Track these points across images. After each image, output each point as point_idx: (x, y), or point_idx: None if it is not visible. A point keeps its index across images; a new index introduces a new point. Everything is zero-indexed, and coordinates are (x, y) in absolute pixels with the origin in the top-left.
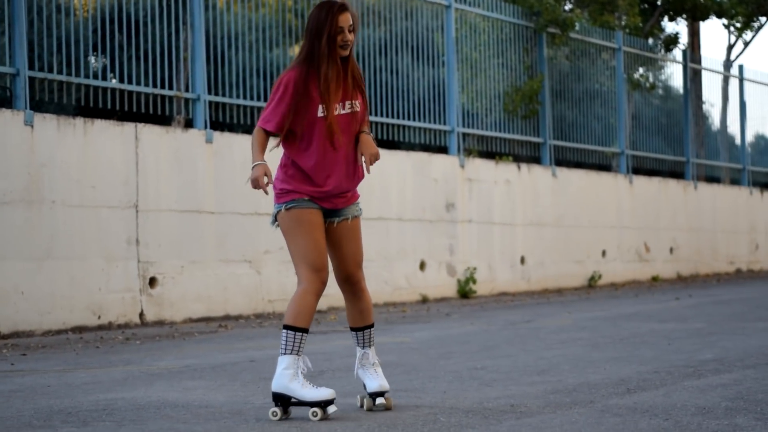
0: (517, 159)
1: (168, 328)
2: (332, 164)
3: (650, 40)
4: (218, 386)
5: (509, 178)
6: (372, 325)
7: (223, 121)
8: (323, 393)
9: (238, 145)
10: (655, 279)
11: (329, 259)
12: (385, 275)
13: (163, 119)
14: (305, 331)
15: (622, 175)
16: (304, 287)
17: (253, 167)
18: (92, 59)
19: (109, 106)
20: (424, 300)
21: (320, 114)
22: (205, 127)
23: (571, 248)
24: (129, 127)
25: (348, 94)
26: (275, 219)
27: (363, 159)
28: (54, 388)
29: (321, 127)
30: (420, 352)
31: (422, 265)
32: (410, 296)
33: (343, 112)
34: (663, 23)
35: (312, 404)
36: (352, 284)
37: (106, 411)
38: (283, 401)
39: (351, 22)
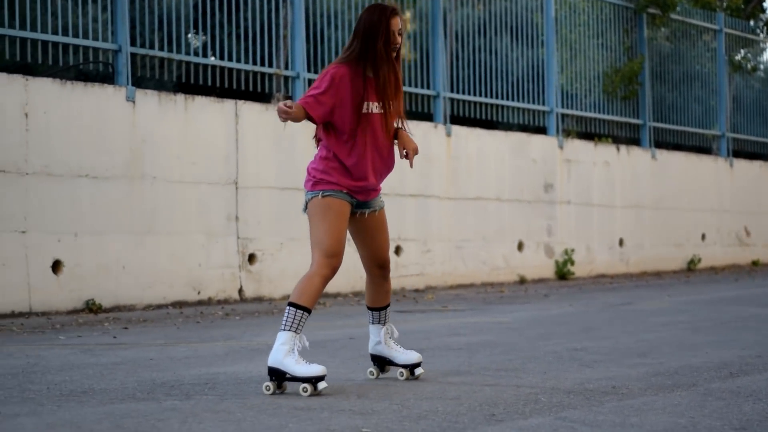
0: (616, 140)
1: (266, 304)
2: (373, 160)
3: (751, 22)
4: (318, 362)
5: (608, 159)
6: (390, 304)
7: None
8: (314, 369)
9: None
10: (755, 263)
11: (360, 248)
12: (483, 255)
13: (262, 96)
14: (308, 310)
15: (722, 159)
16: (314, 270)
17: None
18: (192, 36)
19: (209, 83)
20: (522, 281)
21: (366, 110)
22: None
23: (670, 231)
24: (229, 104)
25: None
26: (307, 206)
27: (405, 153)
28: (156, 361)
29: (365, 124)
30: (519, 332)
31: (520, 246)
32: (508, 276)
33: (379, 111)
34: (765, 4)
35: (303, 380)
36: (384, 269)
37: (208, 385)
38: (278, 376)
39: (401, 26)
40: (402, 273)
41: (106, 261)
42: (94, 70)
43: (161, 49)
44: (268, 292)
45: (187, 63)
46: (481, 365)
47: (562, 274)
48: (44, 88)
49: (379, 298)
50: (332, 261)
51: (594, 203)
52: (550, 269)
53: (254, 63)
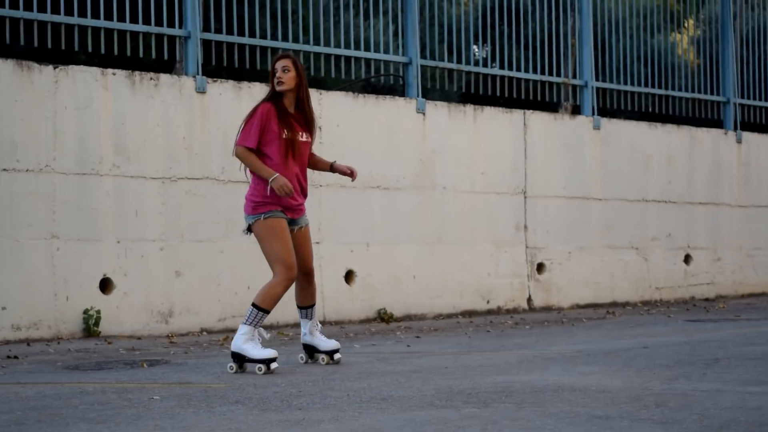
0: None
1: (555, 313)
2: (298, 182)
3: None
4: (613, 371)
5: None
6: (315, 303)
7: (608, 107)
8: (267, 353)
9: (625, 132)
10: None
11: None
12: None
13: (547, 106)
14: (267, 312)
15: None
16: (277, 280)
17: (274, 178)
18: (475, 47)
19: (498, 93)
20: None
21: (287, 137)
22: (593, 114)
23: None
24: (517, 114)
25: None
26: (249, 228)
27: (350, 171)
28: (451, 369)
29: (289, 149)
30: None
31: None
32: None
33: (302, 140)
34: None
35: (258, 361)
36: (309, 276)
37: (505, 393)
38: (239, 359)
39: (285, 65)
40: (692, 282)
41: (397, 271)
42: (380, 83)
43: (447, 60)
44: (556, 301)
45: (471, 73)
46: None
47: None
48: (337, 101)
49: (305, 299)
50: (291, 272)
51: None
52: None
53: (541, 72)
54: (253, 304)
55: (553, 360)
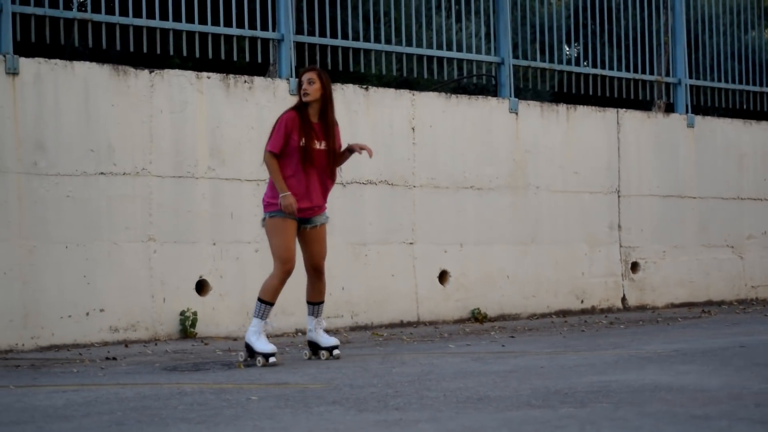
0: None
1: (650, 312)
2: (313, 186)
3: None
4: (710, 371)
5: None
6: (324, 301)
7: (701, 105)
8: (268, 348)
9: (719, 129)
10: None
11: (303, 254)
12: None
13: (641, 104)
14: (270, 304)
15: None
16: (273, 273)
17: (284, 196)
18: (566, 46)
19: (590, 92)
20: None
21: (305, 145)
22: (687, 112)
23: None
24: (610, 113)
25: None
26: (264, 222)
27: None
28: (547, 369)
29: (307, 157)
30: None
31: None
32: None
33: (318, 148)
34: None
35: (259, 353)
36: (318, 272)
37: (601, 393)
38: (249, 350)
39: (310, 77)
40: None
41: (491, 271)
42: (472, 83)
43: (538, 59)
44: (651, 301)
45: (563, 72)
46: None
47: None
48: (430, 102)
49: (314, 295)
50: (285, 266)
51: None
52: None
53: (634, 71)
54: (258, 299)
55: (649, 359)
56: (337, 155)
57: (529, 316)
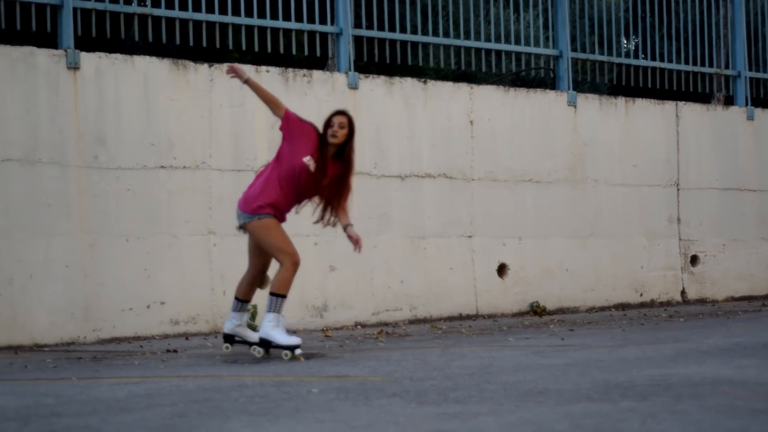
0: None
1: (710, 306)
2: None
3: None
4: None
5: None
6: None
7: (762, 97)
8: (293, 340)
9: None
10: None
11: (256, 257)
12: None
13: (700, 97)
14: (284, 297)
15: None
16: (285, 267)
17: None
18: (623, 39)
19: (648, 85)
20: None
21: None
22: (746, 104)
23: None
24: (669, 106)
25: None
26: (242, 226)
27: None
28: (607, 362)
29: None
30: None
31: None
32: None
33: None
34: None
35: (284, 347)
36: (264, 274)
37: (662, 386)
38: (265, 345)
39: (342, 121)
40: None
41: (550, 264)
42: (529, 76)
43: (596, 52)
44: (711, 294)
45: (621, 65)
46: None
47: None
48: (488, 95)
49: (249, 293)
50: (294, 257)
51: None
52: None
53: (693, 63)
54: (271, 293)
55: (709, 353)
56: (337, 201)
57: (588, 309)
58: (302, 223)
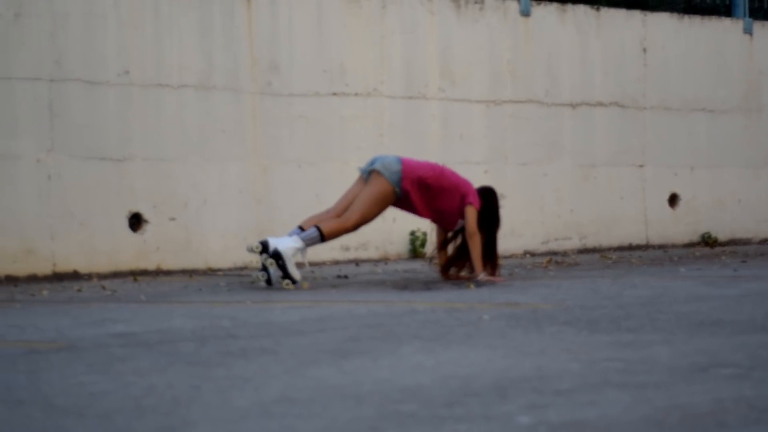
0: None
1: None
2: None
3: None
4: None
5: None
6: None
7: None
8: (297, 274)
9: None
10: None
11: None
12: None
13: None
14: (322, 241)
15: None
16: (349, 224)
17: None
18: None
19: None
20: None
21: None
22: None
23: None
24: None
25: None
26: (371, 172)
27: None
28: None
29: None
30: None
31: None
32: None
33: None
34: None
35: (289, 277)
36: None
37: None
38: (275, 256)
39: None
40: None
41: (722, 194)
42: (703, 3)
43: None
44: None
45: None
46: None
47: None
48: (662, 22)
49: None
50: (359, 227)
51: None
52: None
53: None
54: (318, 229)
55: None
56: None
57: (760, 241)
58: (473, 150)
